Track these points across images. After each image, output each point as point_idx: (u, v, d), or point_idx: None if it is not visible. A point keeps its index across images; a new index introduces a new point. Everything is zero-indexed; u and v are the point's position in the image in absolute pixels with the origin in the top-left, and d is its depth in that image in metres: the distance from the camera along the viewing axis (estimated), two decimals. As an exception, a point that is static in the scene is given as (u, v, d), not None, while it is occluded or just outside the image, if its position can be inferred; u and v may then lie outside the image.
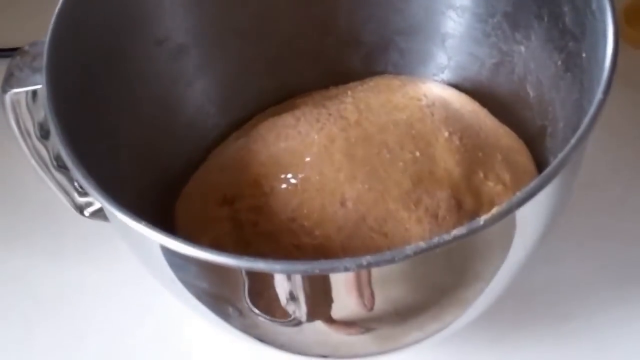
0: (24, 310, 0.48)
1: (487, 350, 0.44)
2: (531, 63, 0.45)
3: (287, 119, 0.43)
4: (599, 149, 0.45)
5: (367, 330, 0.35)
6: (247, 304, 0.33)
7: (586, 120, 0.32)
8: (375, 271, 0.31)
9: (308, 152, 0.41)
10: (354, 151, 0.40)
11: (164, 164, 0.45)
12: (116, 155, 0.41)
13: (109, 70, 0.41)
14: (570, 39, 0.40)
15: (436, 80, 0.49)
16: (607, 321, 0.45)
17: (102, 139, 0.40)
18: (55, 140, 0.34)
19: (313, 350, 0.38)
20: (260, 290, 0.32)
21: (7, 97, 0.39)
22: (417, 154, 0.41)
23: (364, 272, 0.30)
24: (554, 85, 0.43)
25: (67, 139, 0.34)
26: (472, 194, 0.40)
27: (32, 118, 0.41)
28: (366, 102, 0.43)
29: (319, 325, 0.34)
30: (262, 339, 0.38)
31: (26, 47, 0.39)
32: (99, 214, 0.45)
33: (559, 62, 0.42)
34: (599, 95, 0.33)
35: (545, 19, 0.42)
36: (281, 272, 0.31)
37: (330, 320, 0.33)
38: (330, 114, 0.42)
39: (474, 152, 0.42)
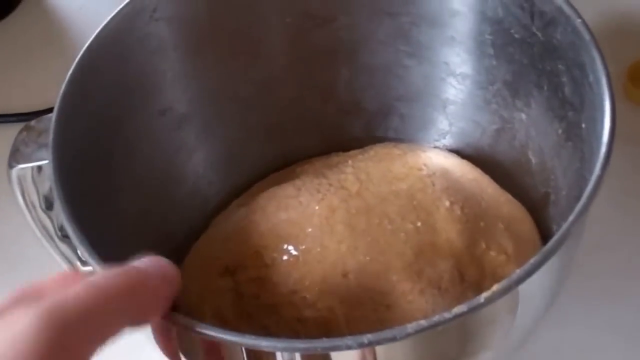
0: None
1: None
2: (532, 130, 0.45)
3: (288, 189, 0.43)
4: (606, 209, 0.45)
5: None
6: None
7: (585, 195, 0.32)
8: (377, 348, 0.31)
9: (309, 224, 0.41)
10: (355, 222, 0.40)
11: (166, 232, 0.46)
12: (119, 226, 0.41)
13: (113, 142, 0.42)
14: (570, 109, 0.40)
15: (438, 147, 0.49)
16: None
17: (105, 210, 0.40)
18: (61, 215, 0.35)
19: None
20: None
21: (14, 172, 0.39)
22: (419, 224, 0.41)
23: (366, 350, 0.30)
24: (555, 154, 0.43)
25: (72, 214, 0.35)
26: (475, 265, 0.40)
27: (37, 191, 0.41)
28: (367, 171, 0.44)
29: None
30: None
31: (32, 123, 0.40)
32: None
33: (560, 131, 0.42)
34: (597, 171, 0.33)
35: (545, 88, 0.42)
36: (283, 350, 0.31)
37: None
38: (330, 184, 0.43)
39: (475, 221, 0.42)
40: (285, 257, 0.40)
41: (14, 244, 0.54)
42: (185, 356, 0.35)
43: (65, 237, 0.44)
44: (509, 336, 0.36)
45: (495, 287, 0.29)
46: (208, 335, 0.31)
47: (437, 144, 0.50)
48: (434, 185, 0.43)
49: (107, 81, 0.41)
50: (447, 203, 0.42)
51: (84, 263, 0.45)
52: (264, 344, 0.30)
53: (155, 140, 0.45)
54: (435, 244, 0.40)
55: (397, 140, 0.51)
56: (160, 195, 0.45)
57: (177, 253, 0.45)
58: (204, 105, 0.47)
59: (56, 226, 0.43)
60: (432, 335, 0.31)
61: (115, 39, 0.41)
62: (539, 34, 0.41)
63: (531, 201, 0.46)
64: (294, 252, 0.40)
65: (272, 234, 0.41)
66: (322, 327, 0.38)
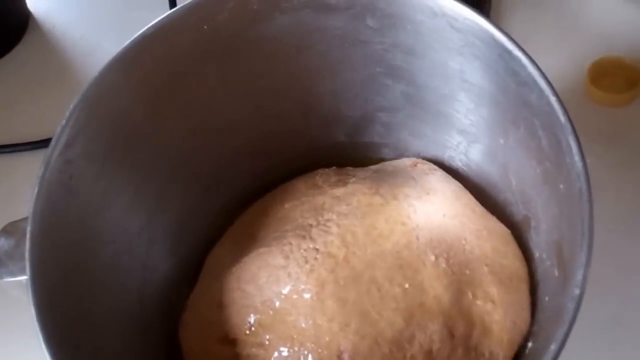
0: None
1: None
2: (511, 156, 0.45)
3: (277, 258, 0.44)
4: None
5: None
6: None
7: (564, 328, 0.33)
8: None
9: (300, 300, 0.42)
10: (345, 295, 0.41)
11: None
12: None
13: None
14: (546, 160, 0.40)
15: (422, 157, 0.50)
16: None
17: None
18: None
19: None
20: None
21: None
22: (406, 285, 0.42)
23: None
24: (534, 185, 0.43)
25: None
26: (463, 318, 0.42)
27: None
28: (352, 231, 0.44)
29: None
30: None
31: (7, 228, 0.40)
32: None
33: (538, 171, 0.42)
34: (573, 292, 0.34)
35: (522, 129, 0.42)
36: None
37: None
38: (317, 249, 0.43)
39: (461, 272, 0.43)
40: (281, 337, 0.41)
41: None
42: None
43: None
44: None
45: None
46: None
47: (423, 154, 0.50)
48: (418, 239, 0.43)
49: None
50: (432, 257, 0.43)
51: None
52: None
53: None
54: (423, 305, 0.41)
55: (382, 144, 0.52)
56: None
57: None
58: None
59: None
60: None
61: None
62: (514, 86, 0.40)
63: (513, 220, 0.46)
64: (291, 332, 0.41)
65: (267, 310, 0.42)
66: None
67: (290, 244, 0.44)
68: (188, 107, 0.47)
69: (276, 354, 0.41)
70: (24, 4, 0.72)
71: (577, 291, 0.34)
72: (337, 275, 0.42)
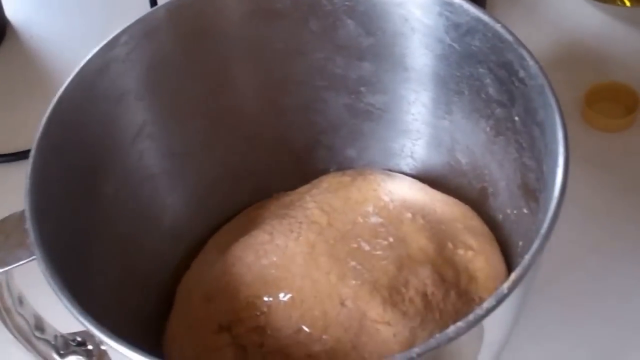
0: None
1: None
2: (457, 133, 0.48)
3: (260, 235, 0.44)
4: (564, 230, 0.44)
5: None
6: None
7: (547, 220, 0.34)
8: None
9: (293, 263, 0.42)
10: (336, 251, 0.42)
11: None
12: (101, 287, 0.41)
13: (90, 198, 0.43)
14: (496, 107, 0.44)
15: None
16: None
17: (87, 271, 0.40)
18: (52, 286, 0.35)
19: None
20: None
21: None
22: (391, 239, 0.43)
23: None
24: (487, 150, 0.46)
25: (58, 279, 0.35)
26: (449, 266, 0.43)
27: (11, 294, 0.40)
28: (328, 203, 0.45)
29: None
30: None
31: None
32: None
33: (488, 129, 0.46)
34: (557, 191, 0.35)
35: (466, 93, 0.46)
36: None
37: None
38: (300, 222, 0.44)
39: (438, 226, 0.45)
40: (280, 301, 0.41)
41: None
42: None
43: (39, 338, 0.43)
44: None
45: (461, 323, 0.31)
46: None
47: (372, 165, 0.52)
48: (392, 201, 0.45)
49: (76, 139, 0.42)
50: (409, 215, 0.45)
51: (62, 355, 0.44)
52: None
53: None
54: (411, 255, 0.42)
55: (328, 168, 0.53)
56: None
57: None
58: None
59: (31, 326, 0.42)
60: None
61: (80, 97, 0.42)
62: (455, 45, 0.44)
63: (470, 198, 0.49)
64: (289, 294, 0.41)
65: (260, 282, 0.42)
66: (332, 358, 0.39)
67: (271, 224, 0.45)
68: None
69: (279, 316, 0.40)
70: (2, 13, 0.70)
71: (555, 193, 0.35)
72: (325, 236, 0.43)
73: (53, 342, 0.43)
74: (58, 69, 0.66)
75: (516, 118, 0.43)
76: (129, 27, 0.43)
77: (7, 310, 0.41)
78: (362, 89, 0.50)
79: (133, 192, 0.47)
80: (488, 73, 0.43)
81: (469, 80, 0.45)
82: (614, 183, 0.56)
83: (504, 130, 0.44)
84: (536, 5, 0.67)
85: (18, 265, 0.38)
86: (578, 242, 0.52)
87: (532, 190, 0.42)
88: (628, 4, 0.65)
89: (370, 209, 0.45)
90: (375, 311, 0.40)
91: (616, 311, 0.50)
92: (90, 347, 0.44)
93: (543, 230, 0.34)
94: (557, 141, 0.36)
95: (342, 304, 0.40)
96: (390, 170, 0.52)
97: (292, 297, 0.41)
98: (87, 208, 0.42)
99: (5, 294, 0.40)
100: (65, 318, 0.35)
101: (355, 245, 0.43)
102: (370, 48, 0.48)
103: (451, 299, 0.42)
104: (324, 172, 0.53)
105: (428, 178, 0.51)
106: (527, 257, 0.33)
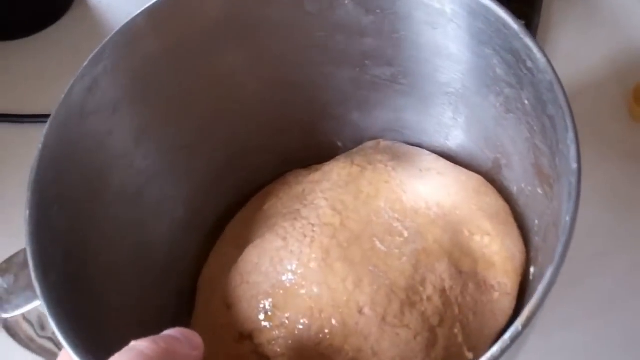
0: None
1: None
2: (467, 106, 0.47)
3: (274, 241, 0.44)
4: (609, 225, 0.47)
5: None
6: None
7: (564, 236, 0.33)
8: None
9: (309, 271, 0.41)
10: (351, 255, 0.42)
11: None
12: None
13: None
14: (505, 86, 0.42)
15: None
16: None
17: (100, 303, 0.40)
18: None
19: None
20: None
21: (7, 324, 0.38)
22: (406, 234, 0.42)
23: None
24: (498, 124, 0.45)
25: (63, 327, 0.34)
26: (466, 255, 0.42)
27: (31, 323, 0.41)
28: (340, 199, 0.44)
29: None
30: None
31: (3, 266, 0.39)
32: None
33: (498, 104, 0.44)
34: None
35: (473, 68, 0.44)
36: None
37: None
38: (312, 224, 0.43)
39: (452, 213, 0.44)
40: (300, 311, 0.41)
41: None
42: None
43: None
44: None
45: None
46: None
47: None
48: (405, 192, 0.44)
49: (74, 169, 0.41)
50: (424, 204, 0.44)
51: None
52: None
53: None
54: (426, 250, 0.42)
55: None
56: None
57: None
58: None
59: (57, 345, 0.43)
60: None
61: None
62: (457, 22, 0.42)
63: (482, 170, 0.48)
64: (307, 303, 0.41)
65: (278, 291, 0.42)
66: (355, 368, 0.40)
67: (284, 227, 0.44)
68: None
69: (299, 327, 0.41)
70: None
71: (573, 180, 0.34)
72: (338, 240, 0.42)
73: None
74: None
75: (526, 101, 0.41)
76: (110, 40, 0.42)
77: (30, 340, 0.41)
78: (367, 62, 0.48)
79: (138, 195, 0.46)
80: (495, 54, 0.41)
81: (476, 57, 0.43)
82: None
83: (514, 109, 0.43)
84: (594, 2, 0.65)
85: (31, 308, 0.38)
86: (618, 235, 0.53)
87: (546, 176, 0.41)
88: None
89: (382, 203, 0.44)
90: (393, 316, 0.40)
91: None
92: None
93: (550, 273, 0.32)
94: (569, 153, 0.35)
95: (360, 312, 0.40)
96: (399, 141, 0.51)
97: (310, 308, 0.41)
98: (93, 232, 0.42)
99: (25, 327, 0.40)
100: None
101: (370, 246, 0.42)
102: (371, 25, 0.46)
103: (469, 290, 0.42)
104: (333, 144, 0.53)
105: (439, 148, 0.50)
106: (541, 287, 0.32)
